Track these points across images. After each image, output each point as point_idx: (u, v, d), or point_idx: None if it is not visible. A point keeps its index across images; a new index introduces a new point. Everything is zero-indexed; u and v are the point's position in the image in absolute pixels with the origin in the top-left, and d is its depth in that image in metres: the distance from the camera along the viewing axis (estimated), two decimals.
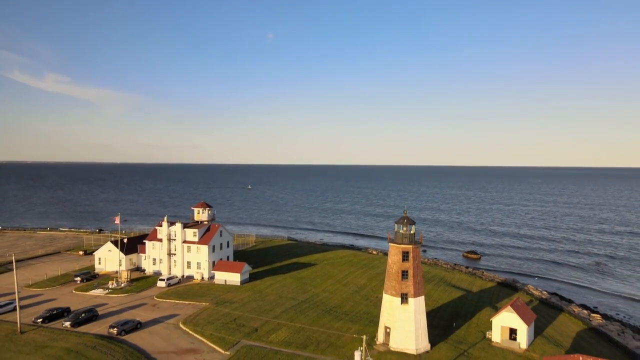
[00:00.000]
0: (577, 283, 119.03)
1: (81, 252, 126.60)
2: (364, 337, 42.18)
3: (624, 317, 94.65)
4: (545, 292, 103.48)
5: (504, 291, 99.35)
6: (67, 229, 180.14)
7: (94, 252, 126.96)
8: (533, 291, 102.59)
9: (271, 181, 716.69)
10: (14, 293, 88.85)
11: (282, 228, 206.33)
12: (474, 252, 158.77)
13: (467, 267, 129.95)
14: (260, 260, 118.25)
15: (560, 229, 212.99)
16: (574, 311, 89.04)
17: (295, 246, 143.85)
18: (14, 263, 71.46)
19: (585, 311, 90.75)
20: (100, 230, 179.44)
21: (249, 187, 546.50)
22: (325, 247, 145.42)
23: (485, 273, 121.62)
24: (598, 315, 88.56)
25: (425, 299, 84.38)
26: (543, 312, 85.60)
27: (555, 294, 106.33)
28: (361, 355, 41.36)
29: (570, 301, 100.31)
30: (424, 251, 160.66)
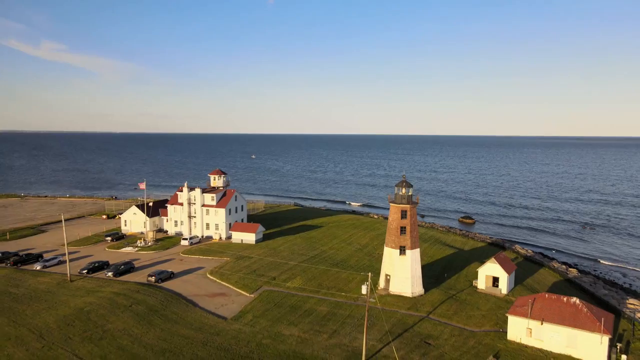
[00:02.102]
0: (563, 249, 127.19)
1: (104, 216, 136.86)
2: (369, 274, 52.07)
3: (600, 273, 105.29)
4: (530, 251, 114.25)
5: (493, 250, 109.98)
6: (85, 196, 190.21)
7: (115, 216, 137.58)
8: (519, 250, 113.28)
9: (272, 151, 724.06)
10: (52, 250, 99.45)
11: (286, 197, 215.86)
12: (469, 217, 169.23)
13: (461, 230, 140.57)
14: (270, 223, 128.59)
15: (553, 199, 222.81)
16: (554, 266, 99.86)
17: (302, 211, 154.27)
18: (63, 222, 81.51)
19: (564, 266, 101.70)
20: (116, 198, 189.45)
21: (253, 156, 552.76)
22: (329, 212, 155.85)
23: (477, 235, 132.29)
24: (575, 270, 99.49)
25: (421, 255, 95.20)
26: (526, 267, 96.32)
27: (540, 253, 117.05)
28: (367, 289, 51.38)
29: (552, 259, 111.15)
30: (422, 217, 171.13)
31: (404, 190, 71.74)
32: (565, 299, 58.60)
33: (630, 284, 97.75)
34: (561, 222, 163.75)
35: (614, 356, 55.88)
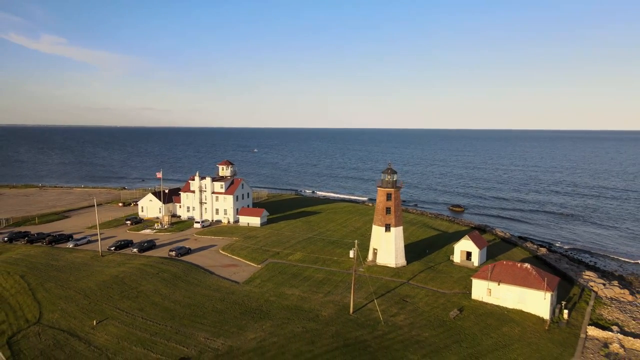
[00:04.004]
0: (540, 236, 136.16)
1: (120, 204, 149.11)
2: (356, 241, 63.91)
3: (570, 253, 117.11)
4: (508, 233, 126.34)
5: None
6: (98, 187, 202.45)
7: (131, 203, 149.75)
8: (498, 232, 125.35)
9: (273, 144, 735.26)
10: (79, 232, 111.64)
11: (287, 189, 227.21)
12: (459, 206, 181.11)
13: (448, 217, 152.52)
14: (273, 209, 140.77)
15: (540, 191, 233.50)
16: (527, 246, 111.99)
17: (302, 199, 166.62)
18: (95, 206, 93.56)
19: (535, 246, 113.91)
20: (125, 188, 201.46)
21: (254, 150, 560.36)
22: (327, 200, 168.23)
23: (462, 220, 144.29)
24: (544, 249, 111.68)
25: (409, 236, 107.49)
26: (501, 246, 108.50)
27: (517, 236, 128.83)
28: (354, 253, 63.28)
29: (526, 240, 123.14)
30: (415, 205, 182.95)
31: (389, 177, 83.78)
32: (519, 264, 70.85)
33: (594, 262, 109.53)
34: (544, 213, 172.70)
35: (557, 310, 68.29)
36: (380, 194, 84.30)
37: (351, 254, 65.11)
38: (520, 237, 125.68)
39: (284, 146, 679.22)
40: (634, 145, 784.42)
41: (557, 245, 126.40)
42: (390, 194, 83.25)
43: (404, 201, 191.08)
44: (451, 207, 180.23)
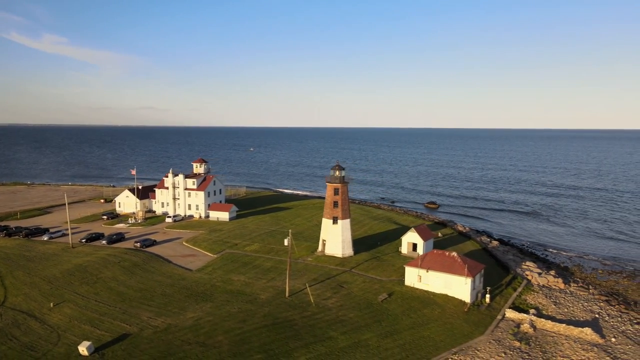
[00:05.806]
0: (507, 233, 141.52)
1: (102, 200, 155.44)
2: (290, 230, 69.78)
3: (525, 247, 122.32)
4: (467, 228, 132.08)
5: (435, 227, 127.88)
6: (85, 184, 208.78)
7: (112, 200, 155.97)
8: (458, 227, 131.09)
9: (269, 143, 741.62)
10: (57, 227, 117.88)
11: (266, 188, 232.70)
12: (434, 203, 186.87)
13: (416, 212, 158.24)
14: (247, 205, 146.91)
15: (516, 191, 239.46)
16: (479, 239, 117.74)
17: (278, 196, 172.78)
18: (66, 201, 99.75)
19: (488, 239, 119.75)
20: (114, 186, 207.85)
21: (251, 149, 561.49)
22: (304, 197, 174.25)
23: (428, 216, 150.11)
24: (496, 242, 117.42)
25: (366, 230, 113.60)
26: (455, 239, 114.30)
27: (475, 230, 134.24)
28: (288, 241, 69.31)
29: (482, 234, 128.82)
30: (392, 202, 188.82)
31: (337, 173, 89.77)
32: (447, 253, 76.83)
33: (545, 255, 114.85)
34: (511, 211, 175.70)
35: (479, 295, 74.26)
36: (329, 189, 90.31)
37: (285, 242, 71.08)
38: (477, 232, 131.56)
39: (280, 145, 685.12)
40: (625, 144, 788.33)
41: (515, 240, 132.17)
42: (338, 189, 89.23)
43: (382, 199, 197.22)
44: (426, 204, 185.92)
